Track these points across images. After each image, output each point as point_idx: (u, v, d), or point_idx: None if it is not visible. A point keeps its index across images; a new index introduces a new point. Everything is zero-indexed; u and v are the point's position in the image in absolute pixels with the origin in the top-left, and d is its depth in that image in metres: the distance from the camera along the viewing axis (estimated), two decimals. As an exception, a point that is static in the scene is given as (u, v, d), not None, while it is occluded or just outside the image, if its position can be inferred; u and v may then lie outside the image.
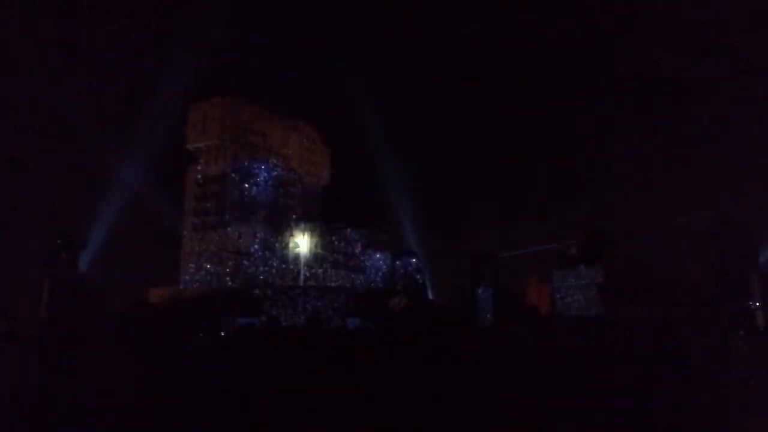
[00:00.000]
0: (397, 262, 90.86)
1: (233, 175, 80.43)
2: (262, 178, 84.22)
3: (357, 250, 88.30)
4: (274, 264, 78.31)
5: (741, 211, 64.56)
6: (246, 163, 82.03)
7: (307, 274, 77.51)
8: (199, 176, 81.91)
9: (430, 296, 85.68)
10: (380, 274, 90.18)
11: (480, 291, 62.39)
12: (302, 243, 79.94)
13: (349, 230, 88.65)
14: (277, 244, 79.55)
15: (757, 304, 45.54)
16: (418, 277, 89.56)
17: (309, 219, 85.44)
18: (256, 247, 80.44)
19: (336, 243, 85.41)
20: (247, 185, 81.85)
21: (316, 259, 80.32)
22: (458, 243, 79.06)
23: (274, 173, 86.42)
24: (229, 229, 78.16)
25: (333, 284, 77.80)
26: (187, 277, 78.00)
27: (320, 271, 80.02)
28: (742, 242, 62.91)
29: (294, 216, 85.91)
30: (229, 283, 72.96)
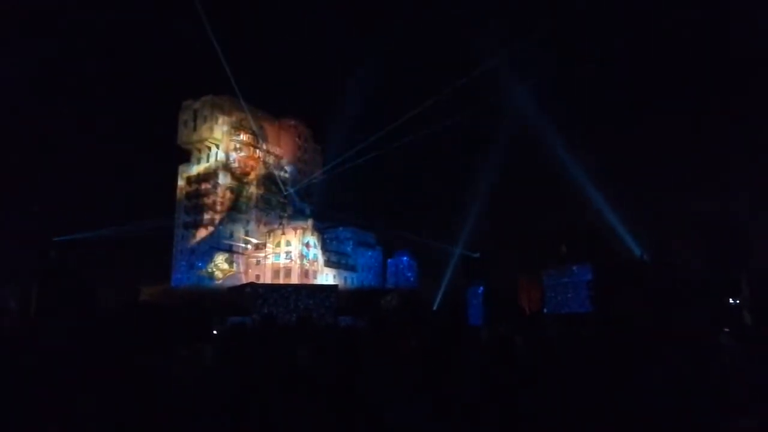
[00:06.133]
0: (389, 260, 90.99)
1: (224, 172, 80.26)
2: (253, 176, 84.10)
3: (349, 249, 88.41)
4: (266, 262, 78.33)
5: (733, 211, 65.18)
6: (237, 161, 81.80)
7: (299, 272, 77.46)
8: (191, 174, 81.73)
9: (425, 294, 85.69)
10: (372, 272, 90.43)
11: (471, 290, 62.50)
12: (294, 241, 79.87)
13: (340, 228, 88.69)
14: (268, 243, 79.54)
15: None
16: (410, 275, 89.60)
17: (300, 217, 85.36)
18: (247, 245, 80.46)
19: (327, 241, 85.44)
20: (238, 183, 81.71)
21: (307, 257, 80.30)
22: (451, 241, 79.07)
23: (266, 171, 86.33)
24: (220, 226, 78.02)
25: (325, 282, 77.70)
26: (178, 275, 77.82)
27: (312, 269, 79.94)
28: (732, 242, 63.53)
29: (285, 214, 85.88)
30: (220, 282, 72.86)
